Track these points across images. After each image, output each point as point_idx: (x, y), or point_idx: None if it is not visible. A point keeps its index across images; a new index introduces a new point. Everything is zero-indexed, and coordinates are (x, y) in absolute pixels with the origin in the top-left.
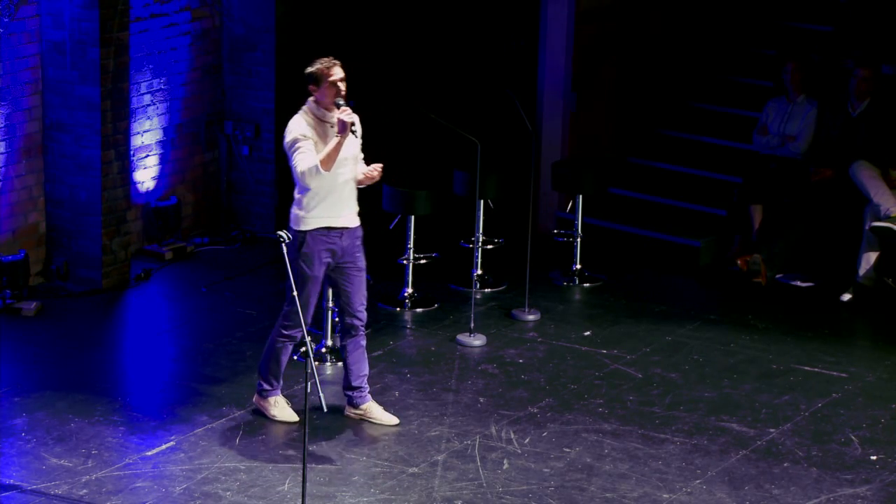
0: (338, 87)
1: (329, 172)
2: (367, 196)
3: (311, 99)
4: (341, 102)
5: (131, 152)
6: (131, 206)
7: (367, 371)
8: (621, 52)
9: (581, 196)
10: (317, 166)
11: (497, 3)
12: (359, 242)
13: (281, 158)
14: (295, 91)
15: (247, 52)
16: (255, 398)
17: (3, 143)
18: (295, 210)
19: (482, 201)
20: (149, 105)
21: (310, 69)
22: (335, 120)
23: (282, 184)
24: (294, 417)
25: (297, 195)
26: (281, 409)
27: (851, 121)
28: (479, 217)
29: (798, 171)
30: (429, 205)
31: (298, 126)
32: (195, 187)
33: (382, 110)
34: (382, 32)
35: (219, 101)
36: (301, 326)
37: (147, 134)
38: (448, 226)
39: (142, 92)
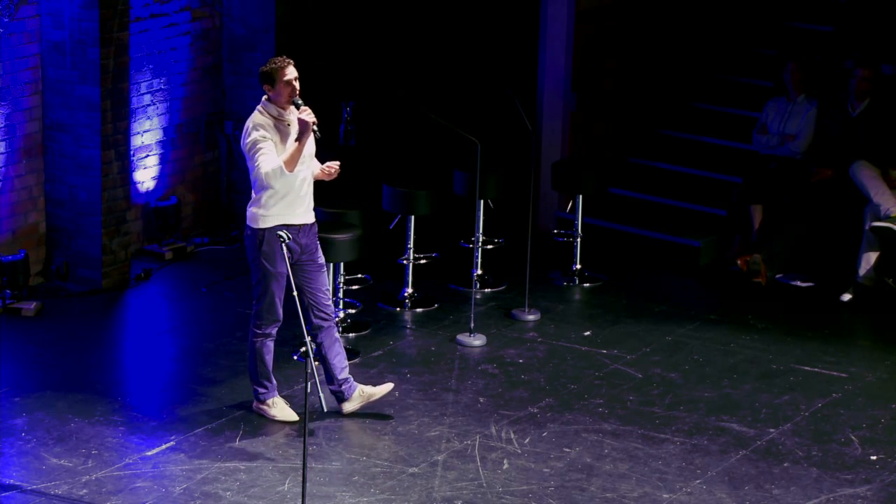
0: (293, 86)
1: (291, 173)
2: (369, 196)
3: (264, 98)
4: (300, 102)
5: (131, 152)
6: (131, 206)
7: (346, 362)
8: (621, 52)
9: (581, 196)
10: (281, 167)
11: (497, 3)
12: (316, 239)
13: None
14: None
15: (247, 52)
16: (254, 404)
17: (3, 143)
18: (253, 209)
19: (482, 201)
20: (149, 105)
21: (263, 68)
22: (293, 119)
23: None
24: (294, 416)
25: (255, 194)
26: (280, 409)
27: (851, 121)
28: (479, 217)
29: (798, 171)
30: (429, 205)
31: (258, 127)
32: (195, 187)
33: (382, 110)
34: (382, 32)
35: (219, 101)
36: (275, 321)
37: (147, 134)
38: (448, 226)
39: (142, 92)
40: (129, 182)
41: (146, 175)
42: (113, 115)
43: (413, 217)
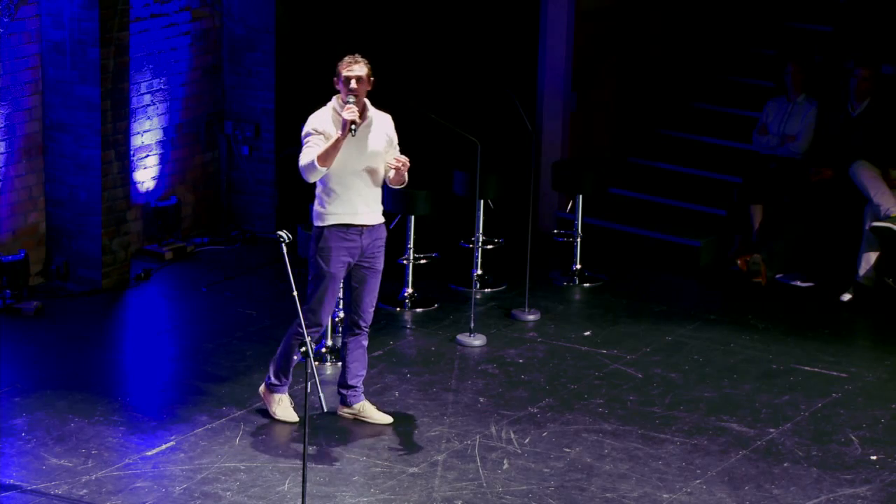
0: (350, 83)
1: (341, 168)
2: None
3: (337, 94)
4: (350, 100)
5: (131, 152)
6: (131, 206)
7: (364, 372)
8: (621, 52)
9: (581, 196)
10: (313, 161)
11: (497, 3)
12: (380, 243)
13: (280, 158)
14: (295, 91)
15: (247, 52)
16: (261, 388)
17: (3, 143)
18: (315, 206)
19: (482, 201)
20: (149, 105)
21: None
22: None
23: (282, 184)
24: (294, 418)
25: (316, 191)
26: (284, 408)
27: (851, 121)
28: (479, 217)
29: (798, 171)
30: (429, 205)
31: (313, 120)
32: (195, 187)
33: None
34: (382, 32)
35: (219, 101)
36: (316, 324)
37: (147, 134)
38: (448, 226)
39: (142, 92)
40: (129, 182)
41: (146, 175)
42: (113, 115)
43: (413, 217)
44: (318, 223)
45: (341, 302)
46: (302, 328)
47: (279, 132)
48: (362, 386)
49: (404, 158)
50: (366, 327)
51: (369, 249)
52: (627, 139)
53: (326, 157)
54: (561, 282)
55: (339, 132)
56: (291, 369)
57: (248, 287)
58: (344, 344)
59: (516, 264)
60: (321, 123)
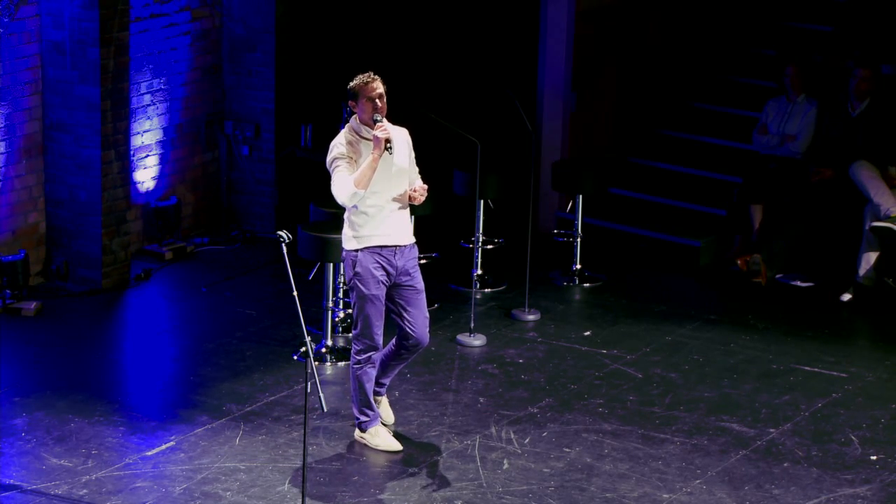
0: (375, 102)
1: (367, 190)
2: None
3: (353, 116)
4: (378, 118)
5: (131, 152)
6: (131, 206)
7: (389, 381)
8: (621, 52)
9: (581, 196)
10: (352, 186)
11: (497, 3)
12: (414, 263)
13: (281, 158)
14: (295, 91)
15: (247, 52)
16: (356, 433)
17: (3, 143)
18: (346, 230)
19: (482, 201)
20: (149, 105)
21: (350, 84)
22: (372, 136)
23: (282, 184)
24: (397, 446)
25: (346, 215)
26: (383, 438)
27: (851, 121)
28: (479, 217)
29: (798, 171)
30: (429, 205)
31: (337, 146)
32: (195, 187)
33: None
34: (382, 32)
35: (219, 101)
36: (373, 347)
37: (147, 134)
38: (448, 226)
39: (142, 92)
40: (129, 182)
41: (146, 175)
42: (113, 115)
43: (413, 217)
44: (349, 247)
45: (341, 302)
46: (377, 348)
47: (279, 132)
48: (384, 400)
49: (424, 187)
50: (415, 352)
51: (406, 269)
52: (627, 139)
53: (362, 178)
54: (561, 282)
55: (374, 152)
56: (372, 400)
57: (248, 287)
58: (393, 352)
59: (516, 264)
60: (345, 148)
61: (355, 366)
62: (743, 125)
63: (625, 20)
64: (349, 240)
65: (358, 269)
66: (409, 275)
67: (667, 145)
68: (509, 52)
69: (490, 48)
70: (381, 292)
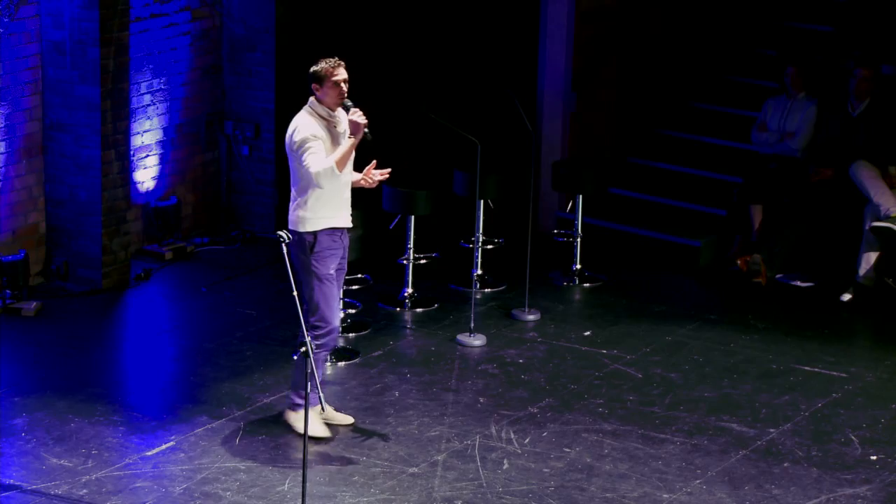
0: (341, 87)
1: (341, 173)
2: (369, 196)
3: (312, 98)
4: (349, 104)
5: (131, 152)
6: (131, 206)
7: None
8: (621, 52)
9: (581, 196)
10: (332, 168)
11: (497, 3)
12: (347, 245)
13: (281, 158)
14: (295, 91)
15: (247, 52)
16: (285, 412)
17: (3, 143)
18: (299, 212)
19: (482, 201)
20: (149, 105)
21: (314, 68)
22: (341, 120)
23: (281, 184)
24: (326, 433)
25: (299, 197)
26: (311, 422)
27: (851, 121)
28: (479, 217)
29: (798, 171)
30: (429, 205)
31: (307, 126)
32: (195, 187)
33: (382, 110)
34: (382, 32)
35: (219, 101)
36: (334, 330)
37: (147, 134)
38: (448, 226)
39: (142, 92)
40: (129, 182)
41: (146, 175)
42: (113, 115)
43: (413, 217)
44: (309, 228)
45: (341, 302)
46: (306, 337)
47: (279, 132)
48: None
49: (382, 173)
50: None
51: (346, 251)
52: (627, 139)
53: (343, 161)
54: (561, 282)
55: (352, 136)
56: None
57: (248, 287)
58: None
59: (516, 264)
60: (314, 129)
61: (315, 350)
62: (743, 125)
63: (625, 20)
64: (305, 221)
65: (318, 248)
66: (345, 257)
67: (667, 145)
68: (509, 52)
69: (490, 48)
70: (335, 272)
